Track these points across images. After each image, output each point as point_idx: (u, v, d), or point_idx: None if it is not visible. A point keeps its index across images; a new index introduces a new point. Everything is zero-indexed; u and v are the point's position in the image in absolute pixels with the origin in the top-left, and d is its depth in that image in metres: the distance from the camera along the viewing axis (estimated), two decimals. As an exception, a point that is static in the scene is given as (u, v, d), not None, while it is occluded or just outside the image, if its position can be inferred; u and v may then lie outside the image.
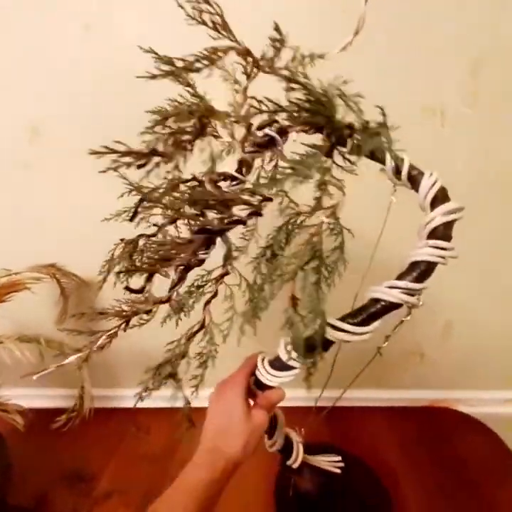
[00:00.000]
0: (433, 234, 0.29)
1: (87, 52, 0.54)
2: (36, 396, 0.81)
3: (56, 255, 0.68)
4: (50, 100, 0.58)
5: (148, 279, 0.29)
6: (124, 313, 0.35)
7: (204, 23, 0.27)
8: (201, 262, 0.31)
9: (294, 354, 0.32)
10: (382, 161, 0.31)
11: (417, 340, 0.75)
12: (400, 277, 0.31)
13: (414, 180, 0.31)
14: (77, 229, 0.68)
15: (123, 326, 0.35)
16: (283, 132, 0.30)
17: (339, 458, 0.52)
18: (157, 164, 0.28)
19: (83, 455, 0.68)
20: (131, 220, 0.30)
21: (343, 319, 0.31)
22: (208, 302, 0.36)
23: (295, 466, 0.44)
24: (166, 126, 0.29)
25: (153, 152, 0.27)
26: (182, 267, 0.30)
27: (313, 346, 0.29)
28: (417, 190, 0.30)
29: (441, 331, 0.74)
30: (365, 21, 0.30)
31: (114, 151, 0.25)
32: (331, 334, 0.31)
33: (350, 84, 0.51)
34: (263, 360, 0.37)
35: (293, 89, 0.27)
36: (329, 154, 0.29)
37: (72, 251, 0.68)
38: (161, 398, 0.84)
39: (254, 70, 0.30)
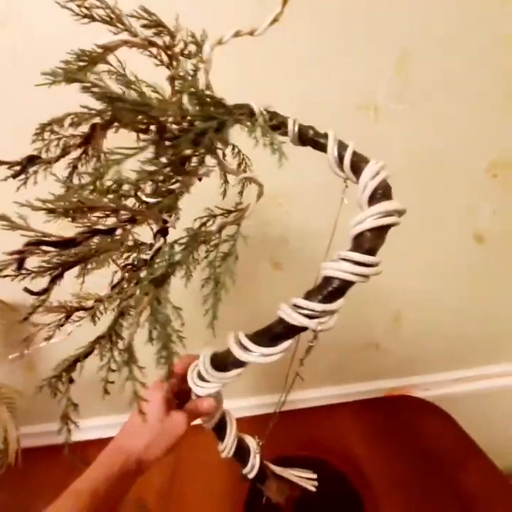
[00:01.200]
0: (357, 241, 0.26)
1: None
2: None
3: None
4: None
5: (52, 281, 0.25)
6: (66, 308, 0.31)
7: (94, 18, 0.25)
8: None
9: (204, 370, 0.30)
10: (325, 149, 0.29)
11: (371, 331, 0.77)
12: (307, 295, 0.27)
13: (356, 169, 0.28)
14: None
15: (63, 320, 0.30)
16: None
17: (314, 475, 0.51)
18: (35, 172, 0.25)
19: (29, 499, 0.60)
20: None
21: (251, 338, 0.29)
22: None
23: (251, 476, 0.42)
24: (53, 132, 0.26)
25: (31, 159, 0.24)
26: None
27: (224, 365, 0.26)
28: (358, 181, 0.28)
29: (392, 320, 0.76)
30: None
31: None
32: (239, 355, 0.29)
33: (287, 80, 0.50)
34: (194, 368, 0.35)
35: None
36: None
37: None
38: (112, 426, 0.77)
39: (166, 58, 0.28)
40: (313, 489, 0.48)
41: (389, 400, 0.77)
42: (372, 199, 0.27)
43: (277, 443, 0.51)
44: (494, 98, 0.62)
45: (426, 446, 0.65)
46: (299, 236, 0.68)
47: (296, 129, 0.31)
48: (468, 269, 0.74)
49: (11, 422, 0.45)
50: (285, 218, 0.66)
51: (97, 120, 0.27)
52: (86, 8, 0.26)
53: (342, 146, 0.30)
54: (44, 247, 0.27)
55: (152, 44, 0.30)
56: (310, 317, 0.26)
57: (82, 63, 0.28)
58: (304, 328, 0.27)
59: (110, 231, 0.29)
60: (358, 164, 0.29)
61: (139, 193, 0.28)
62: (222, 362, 0.33)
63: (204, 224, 0.36)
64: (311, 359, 0.84)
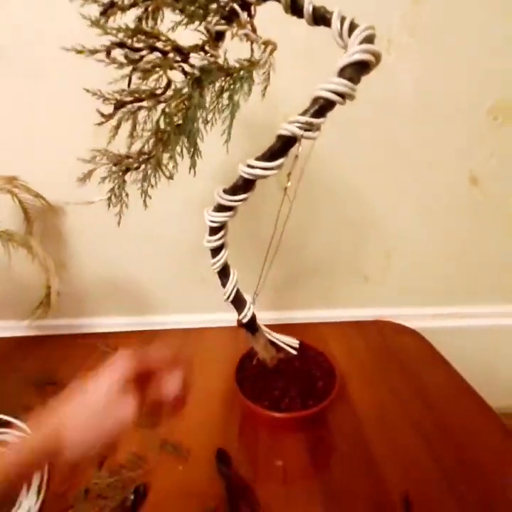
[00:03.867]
0: (342, 71, 0.33)
1: None
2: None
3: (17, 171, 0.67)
4: None
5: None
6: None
7: None
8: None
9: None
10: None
11: (363, 264, 0.84)
12: (302, 113, 0.35)
13: (351, 31, 0.33)
14: (42, 146, 0.69)
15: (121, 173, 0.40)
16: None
17: (296, 342, 0.60)
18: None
19: (51, 367, 0.72)
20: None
21: (255, 159, 0.38)
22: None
23: (244, 321, 0.52)
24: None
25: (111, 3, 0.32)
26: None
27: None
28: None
29: (383, 257, 0.84)
30: None
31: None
32: (247, 172, 0.37)
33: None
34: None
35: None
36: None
37: (36, 170, 0.67)
38: (130, 325, 0.89)
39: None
40: (295, 352, 0.57)
41: (372, 323, 0.85)
42: (341, 72, 0.33)
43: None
44: (505, 42, 0.65)
45: (399, 357, 0.74)
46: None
47: (311, 8, 0.36)
48: (459, 211, 0.79)
49: (54, 273, 0.55)
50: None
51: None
52: None
53: (343, 19, 0.35)
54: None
55: None
56: (300, 129, 0.35)
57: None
58: (294, 140, 0.35)
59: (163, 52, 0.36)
60: (353, 28, 0.34)
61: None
62: (233, 188, 0.41)
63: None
64: (305, 284, 0.92)
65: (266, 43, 0.36)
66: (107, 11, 0.33)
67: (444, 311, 0.87)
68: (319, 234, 0.80)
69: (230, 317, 0.54)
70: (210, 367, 0.69)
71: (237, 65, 0.35)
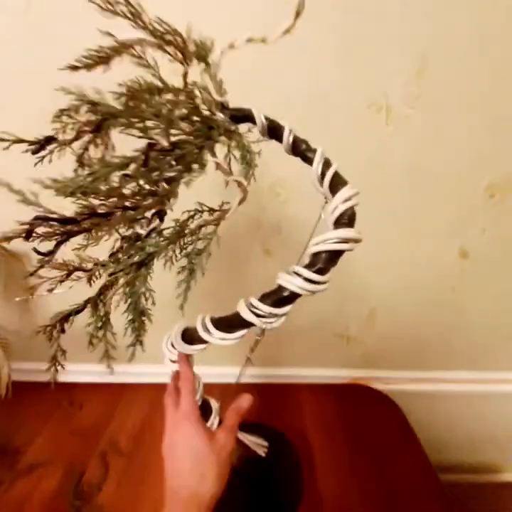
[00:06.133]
0: (313, 259, 0.30)
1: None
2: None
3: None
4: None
5: (58, 245, 0.29)
6: (68, 266, 0.35)
7: (118, 13, 0.26)
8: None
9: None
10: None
11: (346, 323, 0.82)
12: (262, 297, 0.32)
13: (333, 189, 0.31)
14: None
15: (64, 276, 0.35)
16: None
17: (266, 443, 0.57)
18: (51, 151, 0.28)
19: (11, 428, 0.67)
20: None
21: (214, 321, 0.34)
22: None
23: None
24: (70, 116, 0.27)
25: (49, 139, 0.26)
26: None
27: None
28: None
29: (366, 317, 0.81)
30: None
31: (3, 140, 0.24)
32: (201, 334, 0.34)
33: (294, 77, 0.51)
34: (168, 337, 0.40)
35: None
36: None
37: None
38: (98, 373, 0.84)
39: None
40: (263, 455, 0.55)
41: (347, 388, 0.84)
42: (337, 223, 0.30)
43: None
44: (505, 120, 0.61)
45: (370, 431, 0.72)
46: (292, 226, 0.71)
47: (291, 139, 0.33)
48: (446, 281, 0.77)
49: (3, 358, 0.50)
50: (281, 208, 0.68)
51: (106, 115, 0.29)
52: (110, 3, 0.27)
53: (327, 164, 0.32)
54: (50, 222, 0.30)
55: (168, 43, 0.30)
56: (259, 316, 0.30)
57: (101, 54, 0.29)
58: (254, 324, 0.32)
59: (106, 215, 0.32)
60: (336, 185, 0.31)
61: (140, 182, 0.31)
62: (190, 336, 0.37)
63: (192, 217, 0.38)
64: (285, 341, 0.90)
65: (239, 184, 0.32)
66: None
67: (423, 375, 0.86)
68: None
69: (215, 371, 0.50)
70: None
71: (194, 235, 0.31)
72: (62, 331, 0.37)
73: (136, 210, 0.32)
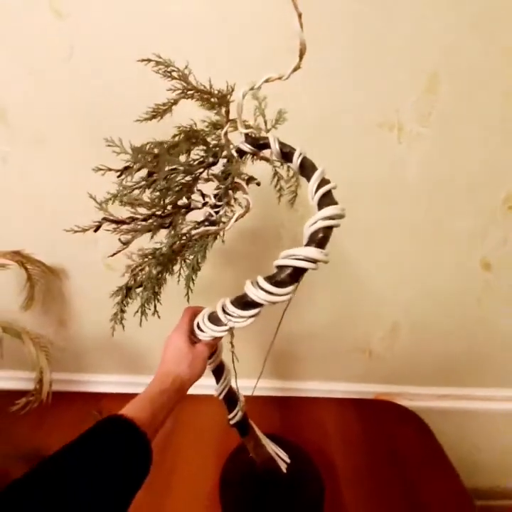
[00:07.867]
0: (277, 271, 0.33)
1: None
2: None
3: (20, 242, 0.69)
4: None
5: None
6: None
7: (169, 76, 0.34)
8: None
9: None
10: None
11: (368, 338, 0.81)
12: (233, 300, 0.37)
13: (319, 206, 0.34)
14: (42, 217, 0.70)
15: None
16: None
17: (288, 459, 0.58)
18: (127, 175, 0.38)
19: (43, 435, 0.71)
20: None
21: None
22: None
23: (232, 422, 0.51)
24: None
25: (125, 168, 0.37)
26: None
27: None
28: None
29: (389, 331, 0.80)
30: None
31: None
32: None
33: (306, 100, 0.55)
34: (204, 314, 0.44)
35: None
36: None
37: (36, 239, 0.70)
38: (126, 384, 0.88)
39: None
40: (284, 470, 0.55)
41: (373, 403, 0.82)
42: (311, 239, 0.32)
43: (263, 423, 0.58)
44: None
45: (398, 451, 0.70)
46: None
47: (299, 161, 0.36)
48: (471, 294, 0.76)
49: (47, 366, 0.55)
50: (298, 222, 0.71)
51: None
52: (166, 66, 0.36)
53: (323, 183, 0.34)
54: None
55: (209, 94, 0.38)
56: (229, 315, 0.37)
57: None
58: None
59: (145, 219, 0.40)
60: (324, 203, 0.33)
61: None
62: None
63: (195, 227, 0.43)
64: (307, 355, 0.90)
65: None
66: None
67: (451, 392, 0.83)
68: (321, 305, 0.78)
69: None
70: (201, 447, 0.67)
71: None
72: (126, 296, 0.44)
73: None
